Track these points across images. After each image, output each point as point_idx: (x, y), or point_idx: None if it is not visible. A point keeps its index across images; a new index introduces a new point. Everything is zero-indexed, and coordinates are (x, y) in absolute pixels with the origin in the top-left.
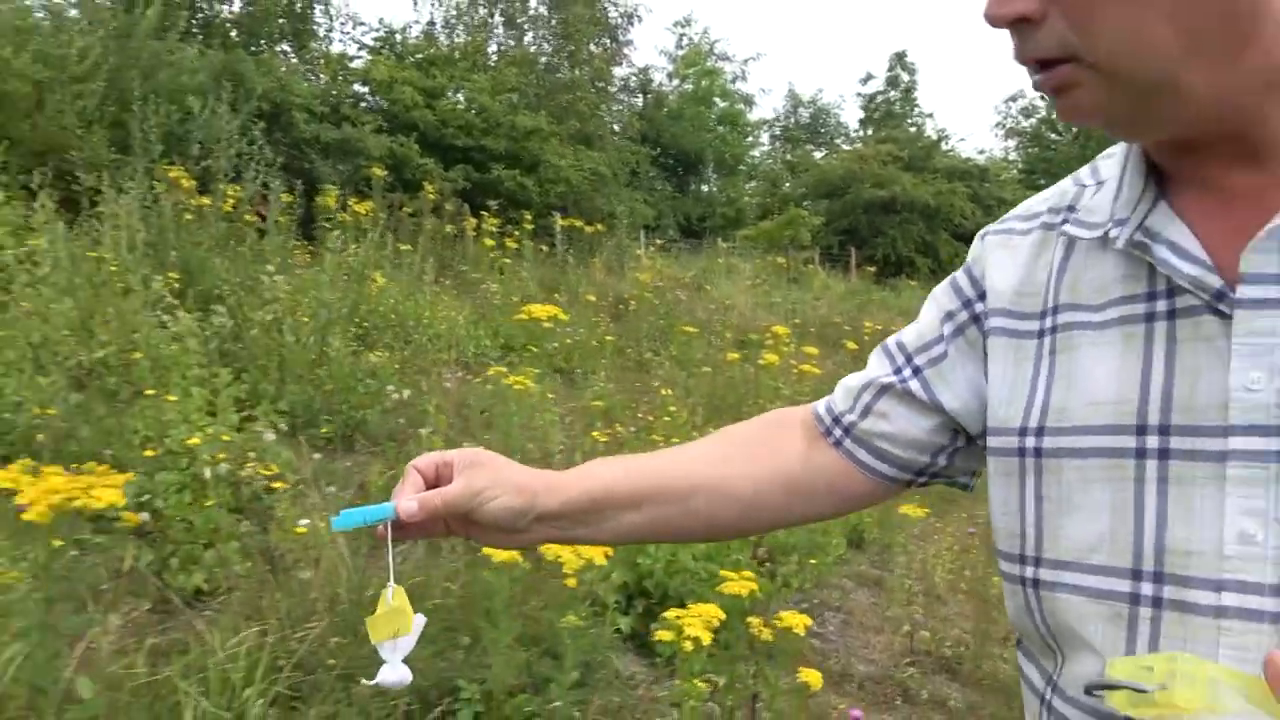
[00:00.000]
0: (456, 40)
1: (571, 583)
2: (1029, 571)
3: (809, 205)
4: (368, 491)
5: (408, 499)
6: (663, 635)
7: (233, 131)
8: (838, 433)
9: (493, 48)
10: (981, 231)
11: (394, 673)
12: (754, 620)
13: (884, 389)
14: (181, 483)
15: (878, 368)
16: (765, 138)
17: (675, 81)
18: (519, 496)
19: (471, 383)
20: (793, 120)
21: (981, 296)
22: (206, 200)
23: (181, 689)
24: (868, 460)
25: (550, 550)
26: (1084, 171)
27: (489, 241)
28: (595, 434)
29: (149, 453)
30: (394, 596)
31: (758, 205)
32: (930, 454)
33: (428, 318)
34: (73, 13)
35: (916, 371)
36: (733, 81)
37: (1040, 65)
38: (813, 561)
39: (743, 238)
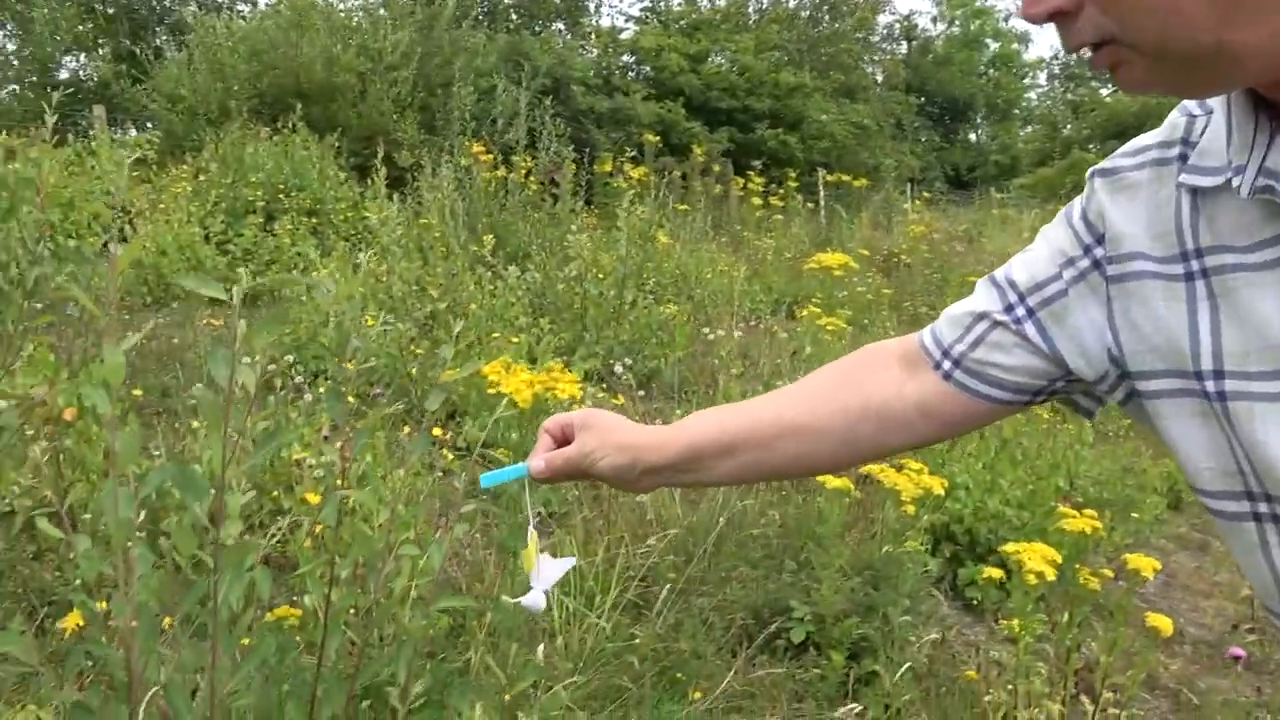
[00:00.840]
0: (718, 3)
1: (910, 509)
2: (1262, 507)
3: (1095, 148)
4: None
5: (537, 459)
6: (992, 573)
7: (522, 107)
8: (947, 365)
9: (753, 7)
10: (1090, 172)
11: (533, 598)
12: (1081, 569)
13: (996, 324)
14: (521, 418)
15: (987, 300)
16: (1043, 78)
17: (942, 25)
18: (623, 455)
19: (754, 333)
20: (1075, 56)
21: (1100, 240)
22: (504, 172)
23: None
24: (980, 388)
25: (888, 478)
26: (1189, 101)
27: (755, 200)
28: None
29: (490, 389)
30: (530, 541)
31: (1035, 151)
32: (1047, 380)
33: (709, 274)
34: (382, 11)
35: (1031, 313)
36: (1005, 20)
37: (1091, 47)
38: (1135, 516)
39: (1019, 187)
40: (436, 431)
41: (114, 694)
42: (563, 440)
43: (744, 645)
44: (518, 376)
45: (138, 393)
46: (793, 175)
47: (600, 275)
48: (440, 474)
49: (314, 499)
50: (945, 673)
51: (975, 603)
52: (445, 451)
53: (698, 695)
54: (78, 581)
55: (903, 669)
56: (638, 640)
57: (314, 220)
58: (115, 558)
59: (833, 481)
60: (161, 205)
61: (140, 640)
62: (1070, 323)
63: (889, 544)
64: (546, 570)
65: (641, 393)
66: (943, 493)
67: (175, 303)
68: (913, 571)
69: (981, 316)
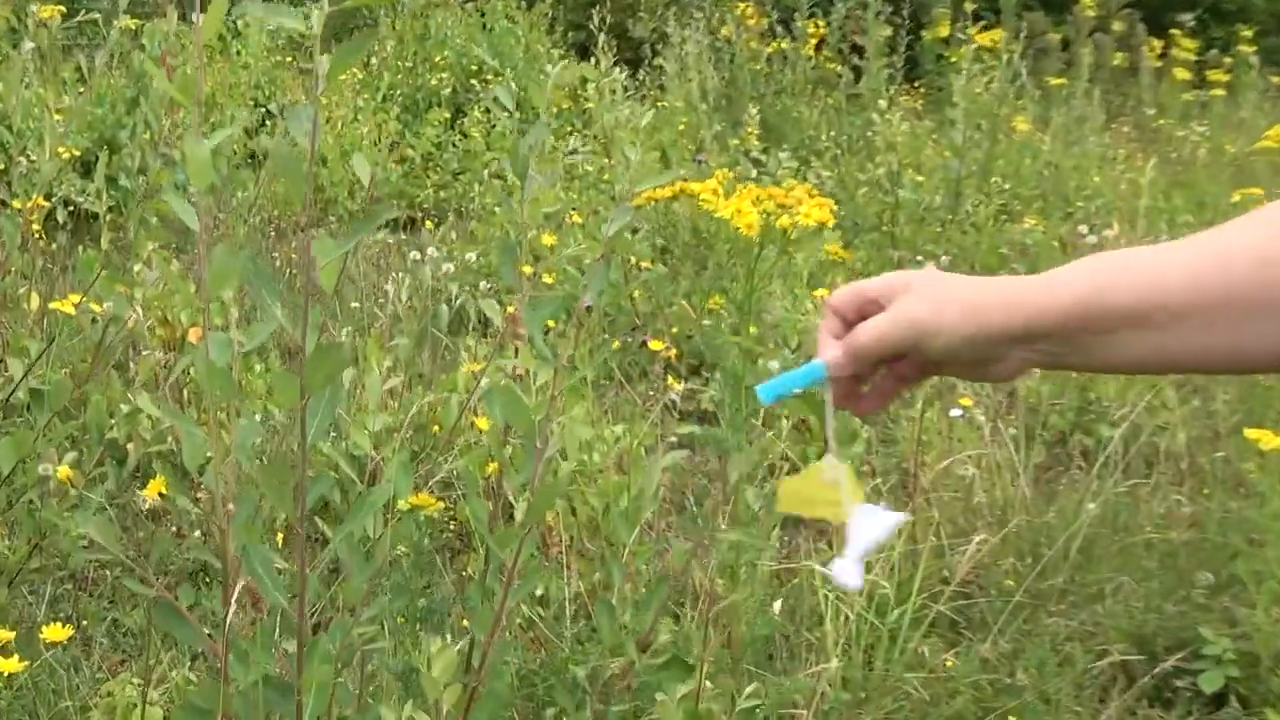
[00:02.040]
0: None
1: None
2: None
3: None
4: (1020, 399)
5: (832, 349)
6: None
7: None
8: None
9: None
10: None
11: (844, 570)
12: None
13: None
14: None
15: None
16: None
17: None
18: (970, 320)
19: None
20: None
21: None
22: (782, 42)
23: (820, 590)
24: None
25: None
26: None
27: (1182, 73)
28: None
29: (752, 328)
30: (830, 471)
31: None
32: None
33: (1095, 179)
34: None
35: None
36: None
37: None
38: None
39: None
40: (656, 346)
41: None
42: (860, 322)
43: (1118, 688)
44: (741, 197)
45: None
46: (1246, 33)
47: (921, 177)
48: (671, 439)
49: (484, 425)
50: None
51: None
52: (671, 380)
53: None
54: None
55: None
56: (951, 667)
57: (518, 115)
58: (209, 421)
59: (1271, 440)
60: (323, 100)
61: (238, 523)
62: None
63: None
64: (865, 528)
65: None
66: None
67: (335, 220)
68: None
69: None
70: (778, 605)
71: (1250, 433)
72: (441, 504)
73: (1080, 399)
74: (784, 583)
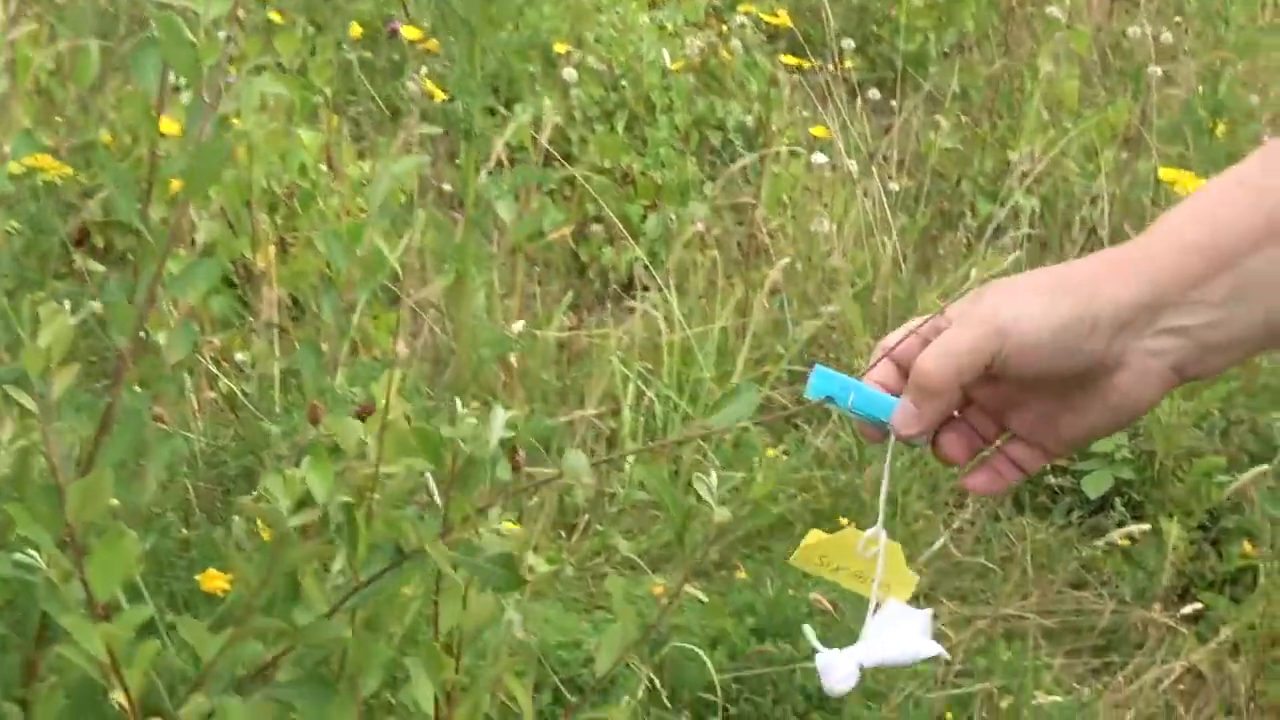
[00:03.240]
0: None
1: None
2: None
3: None
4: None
5: (904, 404)
6: None
7: None
8: None
9: None
10: None
11: (833, 667)
12: None
13: None
14: (604, 100)
15: None
16: None
17: None
18: (1060, 301)
19: None
20: None
21: None
22: None
23: (616, 369)
24: None
25: None
26: None
27: None
28: None
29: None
30: (871, 546)
31: None
32: None
33: None
34: None
35: None
36: None
37: None
38: None
39: None
40: (411, 34)
41: None
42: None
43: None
44: None
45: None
46: None
47: None
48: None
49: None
50: None
51: None
52: (431, 85)
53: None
54: None
55: None
56: (777, 462)
57: None
58: None
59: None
60: None
61: None
62: None
63: None
64: (888, 635)
65: (873, 94)
66: None
67: None
68: None
69: None
70: (519, 325)
71: (1167, 173)
72: (70, 170)
73: (997, 157)
74: (570, 353)
